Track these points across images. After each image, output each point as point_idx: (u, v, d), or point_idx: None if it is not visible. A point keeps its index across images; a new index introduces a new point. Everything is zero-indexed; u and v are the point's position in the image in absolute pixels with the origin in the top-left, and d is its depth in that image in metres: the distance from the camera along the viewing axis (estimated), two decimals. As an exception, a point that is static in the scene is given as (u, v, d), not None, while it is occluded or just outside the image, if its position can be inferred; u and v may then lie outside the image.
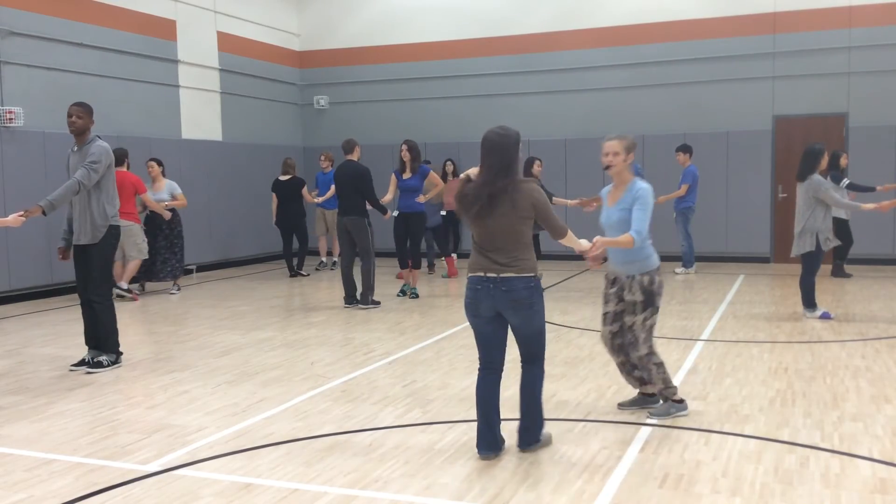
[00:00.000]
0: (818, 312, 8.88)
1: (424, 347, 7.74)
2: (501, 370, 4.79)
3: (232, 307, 10.39)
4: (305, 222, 13.55)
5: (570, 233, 4.75)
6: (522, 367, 4.81)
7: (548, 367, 6.70)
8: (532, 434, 4.80)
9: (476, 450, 4.71)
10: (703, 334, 8.14)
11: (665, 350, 7.41)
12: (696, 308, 9.68)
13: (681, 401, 5.45)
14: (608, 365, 6.85)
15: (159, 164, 11.53)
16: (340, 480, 4.37)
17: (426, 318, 9.30)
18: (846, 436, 4.96)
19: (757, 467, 4.46)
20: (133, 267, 11.01)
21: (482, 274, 4.55)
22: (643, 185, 5.19)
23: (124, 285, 10.91)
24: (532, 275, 4.53)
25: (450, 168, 14.99)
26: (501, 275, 4.49)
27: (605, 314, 5.47)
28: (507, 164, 4.48)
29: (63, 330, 8.94)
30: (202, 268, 14.01)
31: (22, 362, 7.32)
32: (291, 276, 13.33)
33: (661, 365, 5.36)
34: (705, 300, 10.25)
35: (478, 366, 4.80)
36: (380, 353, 7.48)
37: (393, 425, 5.33)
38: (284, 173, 13.25)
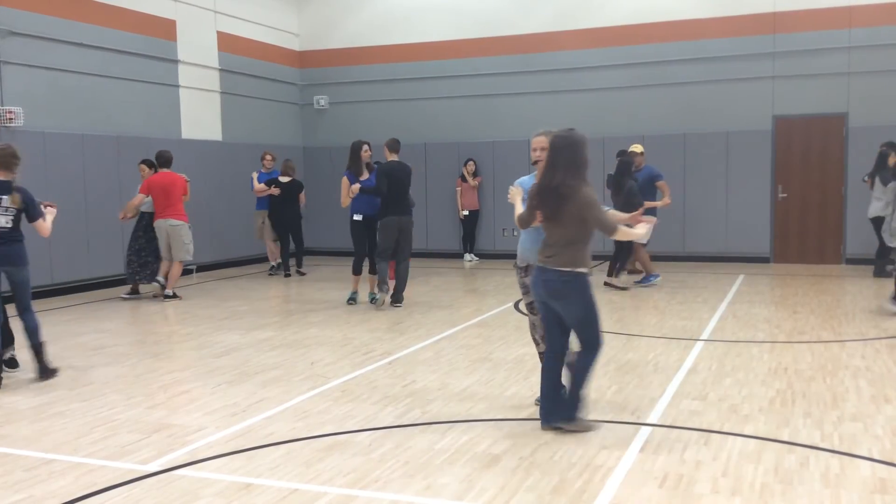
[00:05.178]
0: (895, 308, 8.94)
1: (424, 347, 7.74)
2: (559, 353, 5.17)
3: (232, 307, 10.39)
4: (302, 224, 13.53)
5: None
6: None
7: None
8: (563, 411, 5.08)
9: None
10: (703, 334, 8.14)
11: (665, 350, 7.42)
12: (696, 308, 9.68)
13: None
14: (608, 365, 6.85)
15: (149, 165, 11.34)
16: (340, 480, 4.37)
17: (426, 318, 9.29)
18: (846, 436, 4.96)
19: (757, 467, 4.46)
20: (177, 270, 10.93)
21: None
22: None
23: (170, 291, 10.89)
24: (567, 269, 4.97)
25: (471, 168, 15.11)
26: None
27: None
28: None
29: (63, 330, 8.94)
30: (202, 268, 14.01)
31: (22, 362, 7.31)
32: (286, 275, 13.29)
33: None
34: (705, 300, 10.24)
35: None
36: (379, 353, 7.48)
37: (393, 425, 5.33)
38: (284, 174, 13.20)
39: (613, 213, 5.44)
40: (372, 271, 10.28)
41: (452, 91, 15.81)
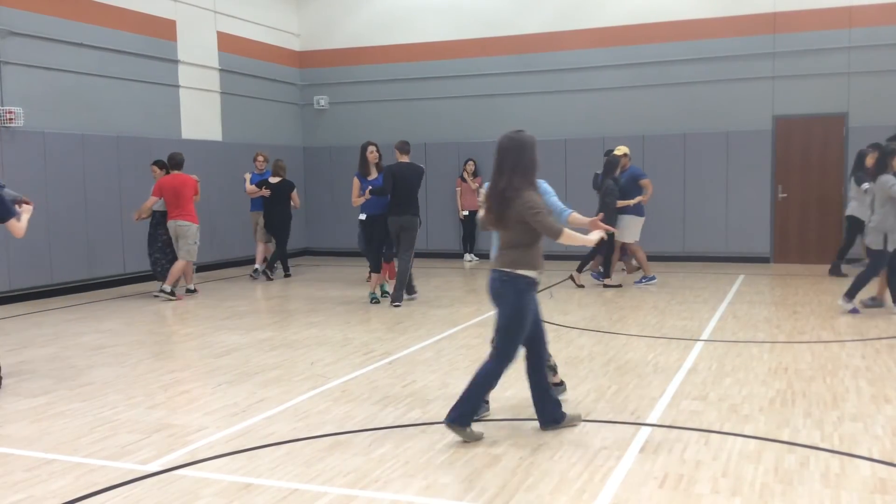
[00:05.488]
0: (850, 306, 8.99)
1: (424, 347, 7.74)
2: (533, 357, 5.10)
3: (232, 307, 10.39)
4: (290, 225, 13.41)
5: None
6: None
7: (548, 367, 6.73)
8: (455, 412, 4.93)
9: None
10: (703, 334, 8.14)
11: (665, 350, 7.43)
12: (696, 308, 9.68)
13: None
14: (608, 365, 6.85)
15: (160, 166, 11.35)
16: (340, 480, 4.38)
17: (426, 318, 9.29)
18: (846, 436, 4.96)
19: (757, 467, 4.46)
20: (178, 269, 10.96)
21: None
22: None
23: (168, 287, 10.91)
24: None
25: (471, 168, 15.12)
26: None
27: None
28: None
29: (63, 330, 8.94)
30: (202, 268, 13.98)
31: (22, 362, 7.32)
32: (287, 276, 13.25)
33: None
34: (705, 300, 10.25)
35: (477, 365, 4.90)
36: (380, 353, 7.48)
37: (393, 425, 5.33)
38: (275, 175, 13.07)
39: (575, 217, 5.37)
40: (375, 270, 10.40)
41: (453, 91, 15.81)
